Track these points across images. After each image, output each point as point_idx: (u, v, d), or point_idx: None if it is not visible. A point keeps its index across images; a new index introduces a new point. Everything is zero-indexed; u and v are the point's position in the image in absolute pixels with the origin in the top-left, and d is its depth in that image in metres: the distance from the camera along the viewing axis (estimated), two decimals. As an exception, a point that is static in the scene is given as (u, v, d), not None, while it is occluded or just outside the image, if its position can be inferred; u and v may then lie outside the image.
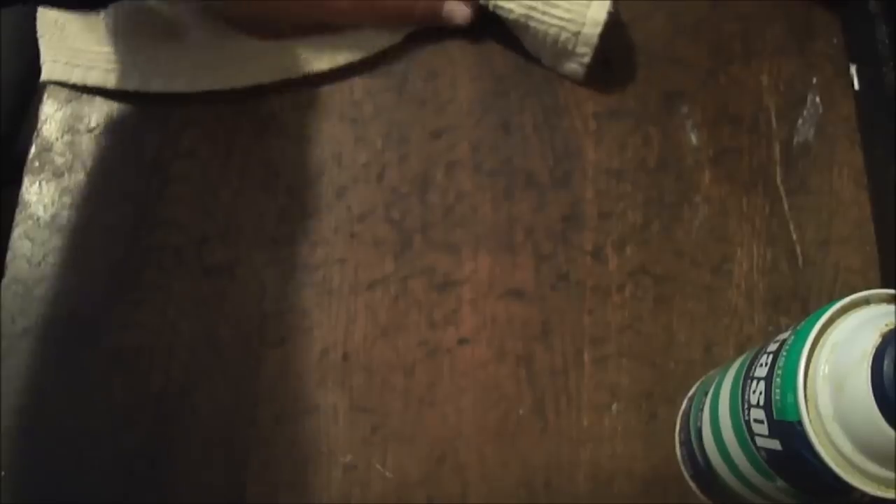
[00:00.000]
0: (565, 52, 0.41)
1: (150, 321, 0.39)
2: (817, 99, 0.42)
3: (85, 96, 0.44)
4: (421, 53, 0.43)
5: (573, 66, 0.41)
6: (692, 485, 0.36)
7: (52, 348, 0.39)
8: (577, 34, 0.40)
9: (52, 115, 0.44)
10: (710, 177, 0.41)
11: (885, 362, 0.23)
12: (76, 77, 0.43)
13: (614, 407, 0.38)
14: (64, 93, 0.44)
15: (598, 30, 0.39)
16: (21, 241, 0.41)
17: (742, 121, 0.42)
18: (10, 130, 0.43)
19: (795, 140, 0.42)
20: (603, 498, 0.37)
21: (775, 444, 0.27)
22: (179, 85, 0.42)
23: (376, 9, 0.42)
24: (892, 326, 0.24)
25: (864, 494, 0.25)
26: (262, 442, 0.38)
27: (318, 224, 0.41)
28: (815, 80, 0.42)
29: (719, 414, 0.32)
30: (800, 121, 0.42)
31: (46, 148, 0.43)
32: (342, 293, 0.40)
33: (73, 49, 0.43)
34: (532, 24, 0.40)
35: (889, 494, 0.25)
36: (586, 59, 0.41)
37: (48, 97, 0.44)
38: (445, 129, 0.42)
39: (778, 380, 0.27)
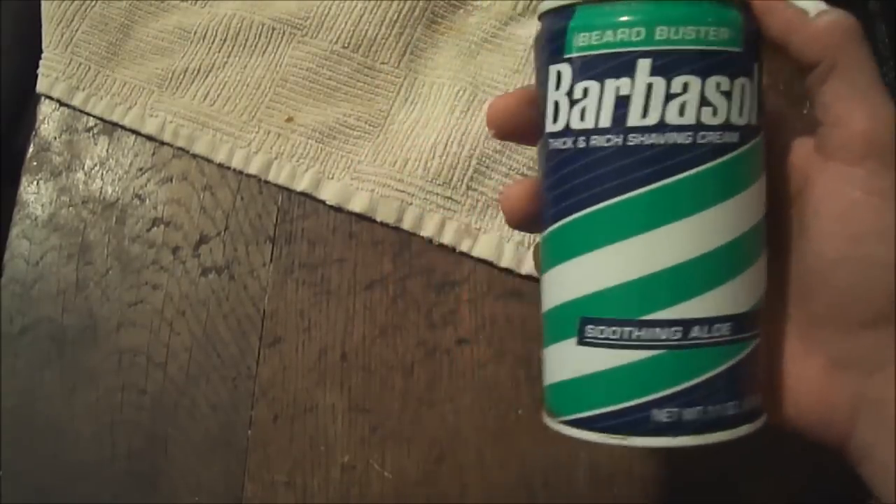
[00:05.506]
0: None
1: (149, 321, 0.39)
2: (817, 98, 0.42)
3: (83, 96, 0.44)
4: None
5: None
6: None
7: (50, 348, 0.39)
8: None
9: (49, 115, 0.44)
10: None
11: None
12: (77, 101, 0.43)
13: (613, 407, 0.38)
14: (62, 92, 0.44)
15: None
16: (19, 241, 0.41)
17: (741, 120, 0.42)
18: (8, 130, 0.43)
19: (795, 139, 0.42)
20: (602, 498, 0.37)
21: None
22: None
23: None
24: None
25: None
26: (261, 442, 0.38)
27: (317, 224, 0.41)
28: (814, 80, 0.42)
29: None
30: (799, 120, 0.42)
31: (44, 147, 0.43)
32: (341, 293, 0.40)
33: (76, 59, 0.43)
34: None
35: None
36: None
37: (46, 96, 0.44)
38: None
39: None
